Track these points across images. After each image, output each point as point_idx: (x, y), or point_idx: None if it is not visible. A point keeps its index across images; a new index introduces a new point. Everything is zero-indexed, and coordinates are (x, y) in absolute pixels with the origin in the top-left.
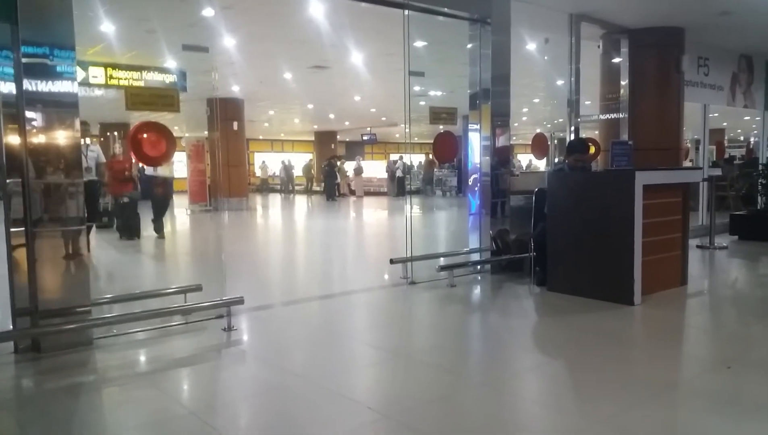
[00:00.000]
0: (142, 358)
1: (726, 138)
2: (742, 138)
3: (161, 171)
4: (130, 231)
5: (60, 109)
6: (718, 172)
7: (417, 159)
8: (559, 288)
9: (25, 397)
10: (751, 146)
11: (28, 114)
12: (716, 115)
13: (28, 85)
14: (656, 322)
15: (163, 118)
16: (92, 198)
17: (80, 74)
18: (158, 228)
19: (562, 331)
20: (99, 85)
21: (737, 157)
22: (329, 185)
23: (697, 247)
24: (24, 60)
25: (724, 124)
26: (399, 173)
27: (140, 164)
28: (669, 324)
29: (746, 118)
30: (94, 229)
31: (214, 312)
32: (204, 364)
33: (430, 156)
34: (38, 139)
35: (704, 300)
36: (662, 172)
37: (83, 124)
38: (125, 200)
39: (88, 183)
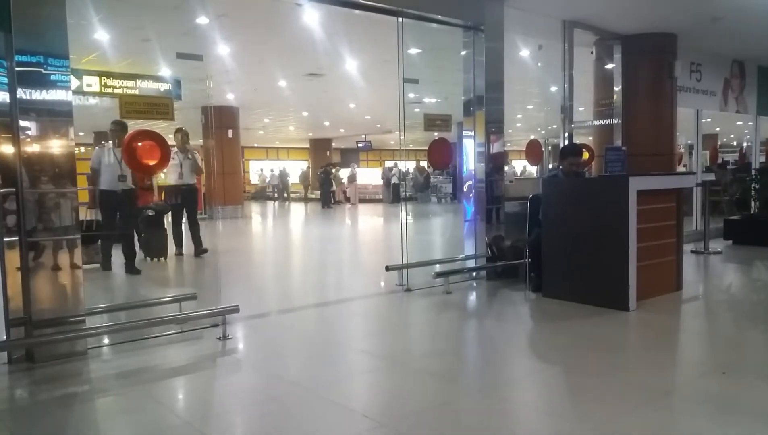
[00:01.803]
0: (137, 368)
1: (719, 143)
2: (735, 143)
3: (187, 179)
4: (157, 249)
5: (54, 117)
6: (711, 177)
7: (413, 166)
8: (555, 294)
9: (18, 408)
10: (744, 151)
11: (22, 123)
12: (709, 120)
13: (22, 93)
14: (651, 328)
15: (157, 126)
16: (130, 208)
17: (74, 83)
18: (197, 242)
19: (557, 336)
20: (93, 94)
21: (730, 162)
22: (325, 192)
23: (692, 252)
24: (18, 69)
25: (717, 129)
26: (395, 180)
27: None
28: (664, 329)
29: (739, 123)
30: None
31: (209, 321)
32: (199, 373)
33: (421, 163)
34: (32, 148)
35: (699, 305)
36: (656, 178)
37: (119, 123)
38: (150, 213)
39: (129, 192)
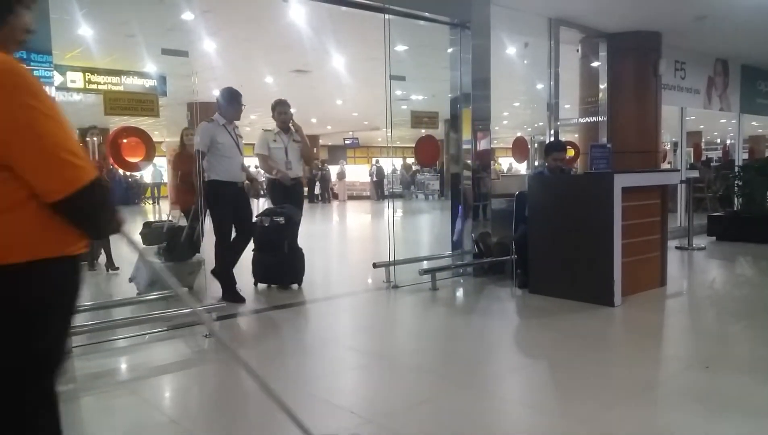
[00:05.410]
0: (122, 366)
1: (703, 140)
2: (718, 140)
3: (296, 169)
4: (293, 273)
5: None
6: (695, 174)
7: (399, 163)
8: (541, 290)
9: None
10: (727, 148)
11: None
12: (693, 118)
13: None
14: (636, 323)
15: (142, 123)
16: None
17: (58, 79)
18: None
19: (543, 332)
20: (77, 90)
21: (714, 159)
22: (322, 188)
23: (676, 248)
24: None
25: (701, 126)
26: (374, 178)
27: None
28: (648, 324)
29: (722, 120)
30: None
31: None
32: (185, 370)
33: (408, 160)
34: None
35: (683, 300)
36: (641, 175)
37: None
38: (280, 220)
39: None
